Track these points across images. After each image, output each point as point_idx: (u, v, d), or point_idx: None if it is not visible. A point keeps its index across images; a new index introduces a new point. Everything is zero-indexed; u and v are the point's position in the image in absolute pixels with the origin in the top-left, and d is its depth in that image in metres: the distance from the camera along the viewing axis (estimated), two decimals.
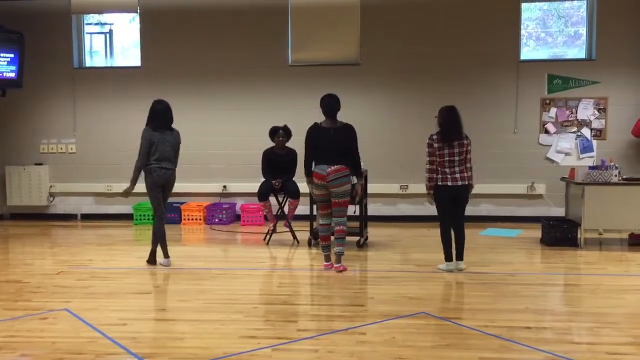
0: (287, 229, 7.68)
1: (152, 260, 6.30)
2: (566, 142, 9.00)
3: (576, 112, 8.97)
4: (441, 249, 5.99)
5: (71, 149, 9.72)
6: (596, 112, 8.95)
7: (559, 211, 8.33)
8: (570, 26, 9.38)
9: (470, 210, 8.98)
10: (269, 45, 9.31)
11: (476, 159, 8.70)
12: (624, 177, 7.23)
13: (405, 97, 9.12)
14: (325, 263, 6.08)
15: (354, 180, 6.07)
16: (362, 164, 7.16)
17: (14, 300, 5.01)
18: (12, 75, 8.97)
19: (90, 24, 10.03)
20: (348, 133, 5.98)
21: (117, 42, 10.04)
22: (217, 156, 9.45)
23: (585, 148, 8.97)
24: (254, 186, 7.86)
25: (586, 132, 8.97)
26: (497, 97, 9.08)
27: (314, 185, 5.94)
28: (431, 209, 6.04)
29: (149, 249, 6.49)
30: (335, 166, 5.84)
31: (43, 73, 9.55)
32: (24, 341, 4.03)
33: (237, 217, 9.35)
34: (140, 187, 6.17)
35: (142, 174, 6.14)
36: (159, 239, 6.25)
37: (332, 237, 6.06)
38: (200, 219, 9.22)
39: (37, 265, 6.45)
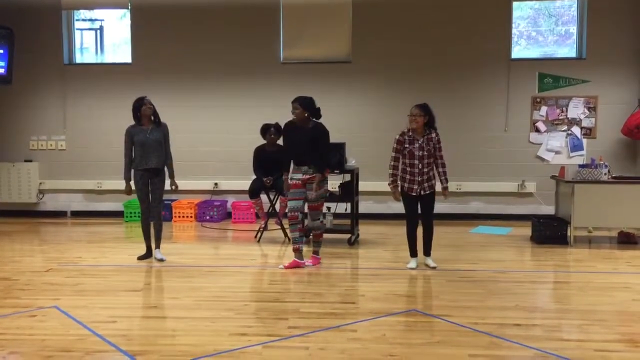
0: (278, 227, 7.68)
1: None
2: (556, 140, 9.05)
3: (566, 111, 9.02)
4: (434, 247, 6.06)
5: (61, 145, 9.67)
6: (586, 110, 9.00)
7: (549, 209, 8.38)
8: (561, 25, 9.42)
9: (460, 208, 9.16)
10: (261, 42, 9.29)
11: (467, 157, 8.85)
12: (613, 175, 7.29)
13: (396, 95, 9.12)
14: (318, 257, 6.18)
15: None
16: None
17: (3, 298, 4.97)
18: (2, 71, 8.88)
19: (80, 20, 9.97)
20: None
21: (108, 38, 9.98)
22: (209, 153, 9.43)
23: (575, 146, 9.02)
24: (245, 184, 7.85)
25: (576, 130, 9.02)
26: (488, 96, 9.11)
27: (325, 181, 6.09)
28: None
29: (139, 246, 6.53)
30: None
31: (33, 69, 9.48)
32: (13, 339, 4.01)
33: (228, 215, 9.34)
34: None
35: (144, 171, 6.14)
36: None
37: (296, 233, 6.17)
38: (191, 217, 9.20)
39: (26, 262, 6.41)
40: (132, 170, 6.24)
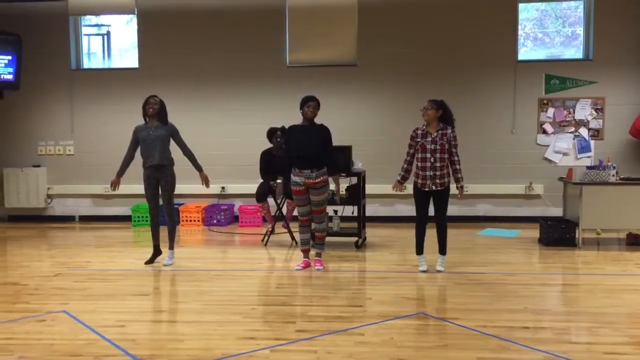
0: (285, 230, 7.69)
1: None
2: (564, 142, 9.01)
3: (574, 112, 8.99)
4: (436, 249, 6.04)
5: (69, 150, 9.72)
6: (593, 112, 8.96)
7: (557, 211, 8.33)
8: (568, 26, 9.40)
9: (468, 210, 9.14)
10: (267, 46, 9.32)
11: (474, 159, 8.83)
12: (621, 177, 7.25)
13: (402, 98, 9.12)
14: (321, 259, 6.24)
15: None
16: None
17: (12, 303, 5.00)
18: (10, 77, 8.96)
19: (87, 25, 10.03)
20: None
21: (115, 43, 10.03)
22: (215, 157, 9.43)
23: (583, 148, 8.98)
24: (252, 187, 7.87)
25: (584, 132, 8.98)
26: (494, 98, 9.10)
27: (328, 184, 6.12)
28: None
29: (147, 250, 6.54)
30: None
31: (41, 75, 9.55)
32: (22, 343, 4.02)
33: (236, 219, 9.35)
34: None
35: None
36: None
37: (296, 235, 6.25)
38: (198, 220, 9.22)
39: (34, 267, 6.44)
40: (142, 170, 6.26)
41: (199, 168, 6.37)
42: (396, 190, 6.10)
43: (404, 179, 6.02)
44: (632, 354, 3.76)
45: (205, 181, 6.38)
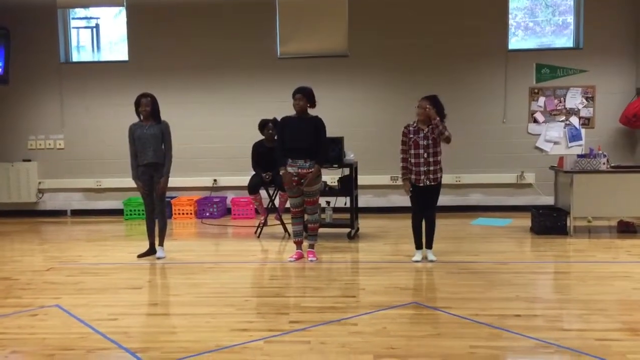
0: (278, 222, 7.69)
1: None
2: (555, 131, 9.04)
3: (564, 101, 9.01)
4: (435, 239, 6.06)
5: (59, 144, 9.66)
6: (584, 100, 8.99)
7: (548, 200, 8.38)
8: (558, 15, 9.40)
9: (460, 200, 9.17)
10: (257, 38, 9.28)
11: (466, 149, 8.85)
12: (612, 165, 7.28)
13: (394, 89, 9.12)
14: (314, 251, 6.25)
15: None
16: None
17: (4, 298, 4.98)
18: None
19: (76, 18, 9.95)
20: None
21: (104, 36, 9.96)
22: (207, 150, 9.43)
23: (574, 137, 9.02)
24: (245, 179, 7.84)
25: (574, 120, 9.01)
26: (485, 87, 9.11)
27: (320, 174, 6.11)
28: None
29: (139, 243, 6.52)
30: None
31: (29, 68, 9.47)
32: (14, 338, 4.01)
33: (228, 211, 9.34)
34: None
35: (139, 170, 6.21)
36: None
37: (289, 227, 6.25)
38: (191, 213, 9.20)
39: (26, 262, 6.41)
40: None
41: (166, 172, 6.25)
42: (409, 191, 5.92)
43: (407, 176, 5.92)
44: (623, 340, 3.79)
45: (161, 185, 6.22)
